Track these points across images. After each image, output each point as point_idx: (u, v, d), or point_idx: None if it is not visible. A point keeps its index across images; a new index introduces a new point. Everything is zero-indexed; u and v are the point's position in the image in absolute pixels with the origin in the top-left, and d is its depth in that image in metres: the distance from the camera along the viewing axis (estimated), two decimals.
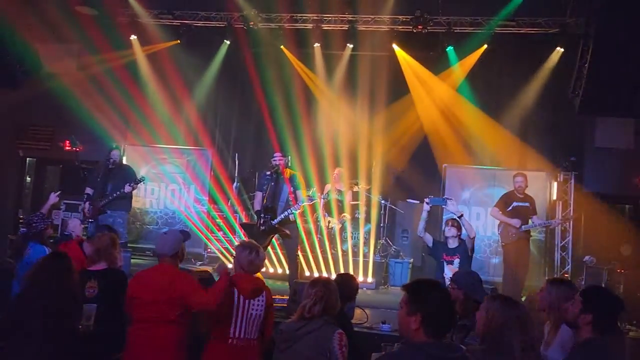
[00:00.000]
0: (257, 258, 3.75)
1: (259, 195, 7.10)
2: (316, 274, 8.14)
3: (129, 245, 8.27)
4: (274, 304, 5.82)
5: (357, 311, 5.61)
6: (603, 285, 7.15)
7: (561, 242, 9.07)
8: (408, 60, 10.08)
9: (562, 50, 9.12)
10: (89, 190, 7.67)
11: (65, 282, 3.41)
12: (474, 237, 5.54)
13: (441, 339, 2.28)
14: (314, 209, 8.40)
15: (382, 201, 9.02)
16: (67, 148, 10.41)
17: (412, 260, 9.00)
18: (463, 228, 5.70)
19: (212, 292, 3.57)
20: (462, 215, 5.62)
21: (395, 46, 9.97)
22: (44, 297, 3.32)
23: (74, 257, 3.85)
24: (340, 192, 8.81)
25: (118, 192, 7.51)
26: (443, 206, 5.67)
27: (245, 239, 4.31)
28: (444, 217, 8.90)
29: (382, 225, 9.09)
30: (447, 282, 5.45)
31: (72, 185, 9.64)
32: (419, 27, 9.38)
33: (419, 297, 2.31)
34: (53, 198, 6.04)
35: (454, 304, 2.39)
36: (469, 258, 5.52)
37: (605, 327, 2.80)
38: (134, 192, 8.03)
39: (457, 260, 5.54)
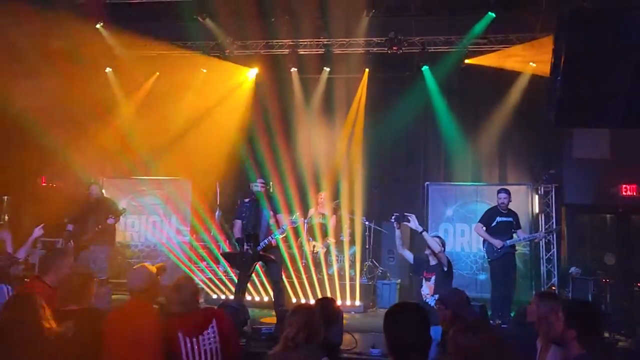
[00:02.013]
0: (180, 295, 3.52)
1: (238, 223, 7.00)
2: (303, 300, 8.01)
3: (110, 280, 8.09)
4: (261, 333, 5.78)
5: (346, 337, 5.49)
6: (590, 297, 7.17)
7: (546, 255, 9.09)
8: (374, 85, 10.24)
9: (535, 64, 9.34)
10: (70, 227, 7.51)
11: (35, 324, 3.23)
12: (439, 252, 5.48)
13: None
14: (297, 234, 8.32)
15: (366, 222, 8.96)
16: (43, 184, 10.27)
17: (399, 280, 8.92)
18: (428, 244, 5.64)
19: None
20: (423, 232, 5.60)
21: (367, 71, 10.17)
22: (14, 342, 3.13)
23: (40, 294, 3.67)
24: (323, 215, 8.74)
25: (100, 226, 7.38)
26: (405, 223, 5.64)
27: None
28: (429, 233, 8.90)
29: (367, 247, 9.01)
30: (424, 298, 5.41)
31: (48, 222, 9.42)
32: (394, 48, 9.50)
33: (385, 323, 2.45)
34: (37, 232, 5.84)
35: (423, 329, 2.36)
36: (445, 274, 5.45)
37: (591, 341, 2.75)
38: (116, 225, 7.91)
39: (433, 277, 5.48)
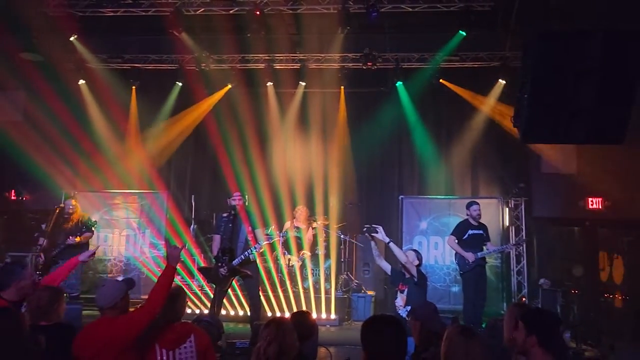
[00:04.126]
0: (174, 305, 3.61)
1: (217, 238, 6.97)
2: (278, 314, 8.00)
3: (81, 296, 7.93)
4: (236, 347, 5.76)
5: (321, 350, 5.51)
6: (558, 308, 7.36)
7: (516, 267, 9.28)
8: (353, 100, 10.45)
9: (505, 82, 9.63)
10: (41, 242, 7.35)
11: (15, 342, 3.13)
12: (405, 262, 5.59)
13: None
14: (272, 247, 8.33)
15: (341, 236, 9.02)
16: (12, 198, 10.05)
17: (374, 293, 8.98)
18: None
19: (150, 298, 3.46)
20: (389, 242, 5.73)
21: (344, 88, 10.32)
22: None
23: None
24: (298, 229, 8.77)
25: (66, 243, 7.20)
26: (374, 234, 5.75)
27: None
28: (404, 247, 9.03)
29: (342, 260, 9.07)
30: (397, 310, 5.50)
31: (18, 237, 9.27)
32: (369, 64, 9.68)
33: (363, 336, 2.46)
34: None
35: (402, 342, 2.40)
36: (417, 285, 5.55)
37: (552, 344, 2.81)
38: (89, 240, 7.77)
39: (406, 290, 5.58)
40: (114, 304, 3.45)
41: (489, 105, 9.79)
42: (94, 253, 4.90)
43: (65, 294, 4.05)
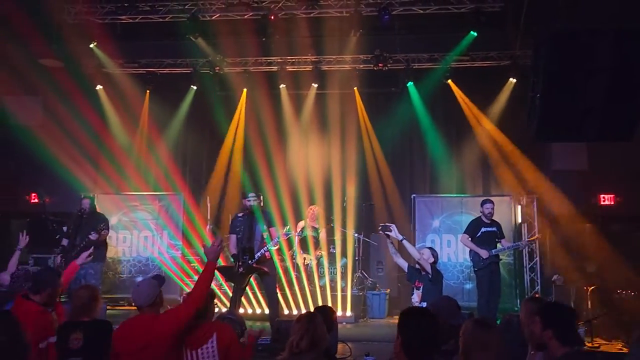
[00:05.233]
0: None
1: (233, 238, 7.11)
2: (295, 312, 8.16)
3: (102, 296, 8.11)
4: (258, 344, 5.92)
5: (340, 345, 5.67)
6: (572, 304, 7.45)
7: (529, 264, 9.37)
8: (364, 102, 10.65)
9: (515, 80, 9.73)
10: (64, 242, 7.52)
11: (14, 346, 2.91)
12: (418, 260, 5.74)
13: None
14: (290, 246, 8.49)
15: (356, 235, 9.16)
16: (33, 201, 10.30)
17: (388, 291, 9.12)
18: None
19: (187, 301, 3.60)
20: (403, 240, 5.88)
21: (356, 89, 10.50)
22: None
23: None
24: (315, 229, 8.92)
25: (84, 242, 7.26)
26: (388, 233, 5.90)
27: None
28: (417, 244, 9.16)
29: (357, 258, 9.20)
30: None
31: (40, 239, 9.46)
32: (380, 65, 9.81)
33: (400, 323, 2.59)
34: (23, 241, 5.58)
35: (436, 331, 2.53)
36: (432, 282, 5.69)
37: (568, 337, 2.89)
38: (107, 240, 7.94)
39: (422, 287, 5.73)
40: (153, 301, 3.60)
41: (501, 102, 9.91)
42: (90, 254, 5.24)
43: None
